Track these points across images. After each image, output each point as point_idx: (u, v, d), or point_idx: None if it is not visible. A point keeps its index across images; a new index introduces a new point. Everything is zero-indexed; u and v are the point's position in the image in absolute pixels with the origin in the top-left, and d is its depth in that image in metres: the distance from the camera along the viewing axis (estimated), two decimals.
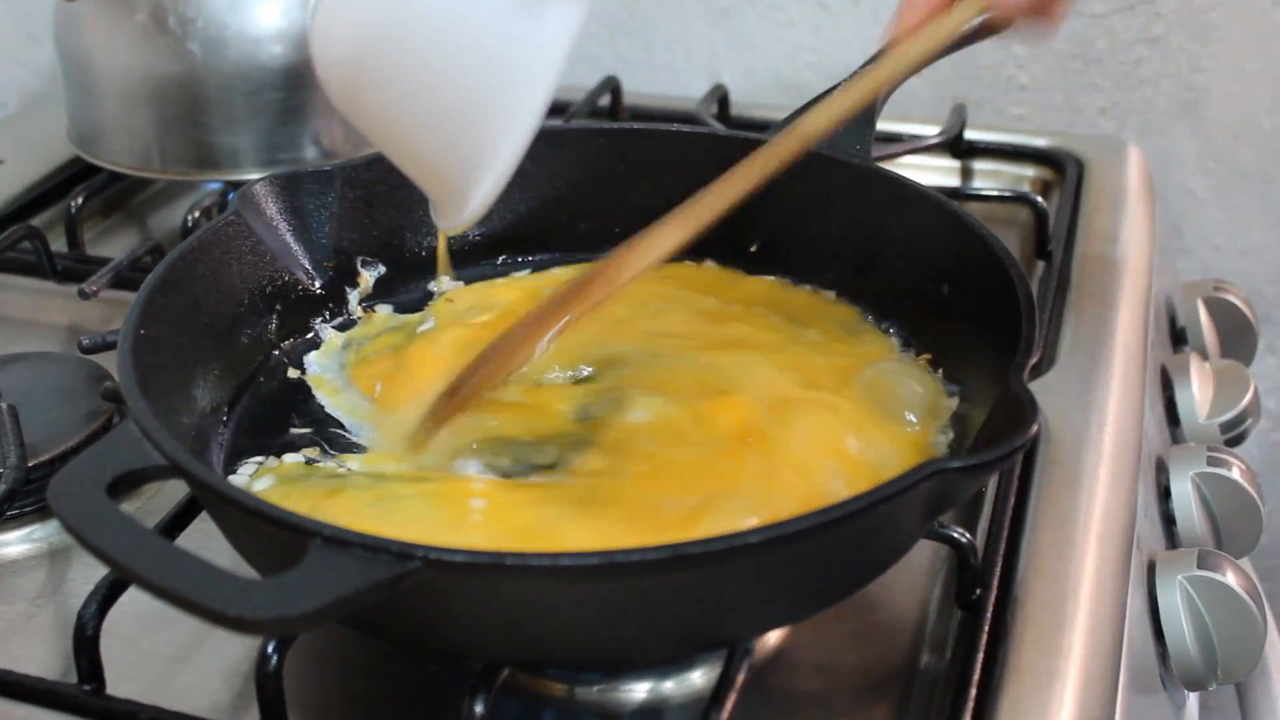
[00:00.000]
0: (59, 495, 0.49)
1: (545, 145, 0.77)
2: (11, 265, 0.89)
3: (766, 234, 0.75)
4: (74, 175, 0.97)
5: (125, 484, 0.51)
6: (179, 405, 0.63)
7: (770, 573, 0.46)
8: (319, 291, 0.73)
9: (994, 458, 0.46)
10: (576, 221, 0.79)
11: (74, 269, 0.87)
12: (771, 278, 0.75)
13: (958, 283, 0.65)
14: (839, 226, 0.73)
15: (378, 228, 0.76)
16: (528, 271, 0.78)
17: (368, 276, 0.75)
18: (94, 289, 0.79)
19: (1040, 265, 0.87)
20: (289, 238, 0.72)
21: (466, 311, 0.73)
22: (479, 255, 0.78)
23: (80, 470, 0.50)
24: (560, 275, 0.77)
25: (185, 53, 0.87)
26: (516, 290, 0.76)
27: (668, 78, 1.23)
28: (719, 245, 0.76)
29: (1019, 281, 0.59)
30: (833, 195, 0.73)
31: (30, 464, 0.67)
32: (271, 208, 0.72)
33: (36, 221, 0.93)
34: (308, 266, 0.73)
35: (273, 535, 0.48)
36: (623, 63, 1.23)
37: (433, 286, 0.76)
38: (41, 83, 1.26)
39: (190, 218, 0.87)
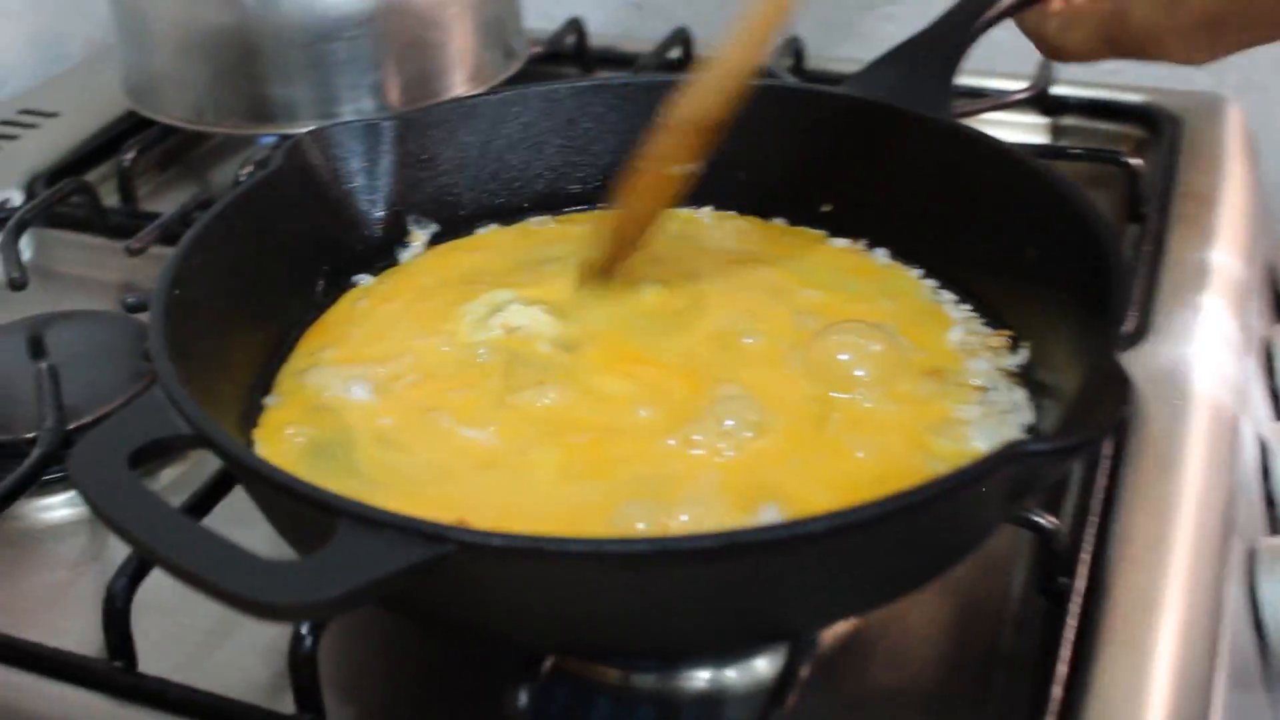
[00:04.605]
0: (79, 466, 0.46)
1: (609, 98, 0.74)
2: (63, 220, 0.86)
3: (839, 193, 0.71)
4: (130, 128, 0.94)
5: (150, 453, 0.48)
6: (219, 372, 0.60)
7: (834, 562, 0.42)
8: (368, 250, 0.70)
9: (1081, 441, 0.42)
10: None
11: (127, 224, 0.84)
12: (845, 241, 0.71)
13: (1043, 247, 0.60)
14: (916, 187, 0.68)
15: (431, 185, 0.72)
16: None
17: (419, 235, 0.72)
18: (139, 245, 0.76)
19: (1133, 229, 0.82)
20: (337, 194, 0.69)
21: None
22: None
23: (101, 440, 0.48)
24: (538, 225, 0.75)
25: (236, 3, 0.84)
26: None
27: None
28: (788, 203, 0.72)
29: (1109, 243, 0.54)
30: (909, 153, 0.68)
31: (71, 426, 0.65)
32: (320, 162, 0.68)
33: (92, 176, 0.90)
34: (357, 224, 0.70)
35: (301, 512, 0.45)
36: (696, 14, 1.19)
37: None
38: (104, 33, 1.24)
39: (242, 173, 0.84)
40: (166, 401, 0.49)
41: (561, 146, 0.75)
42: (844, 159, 0.70)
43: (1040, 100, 0.95)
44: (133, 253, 0.76)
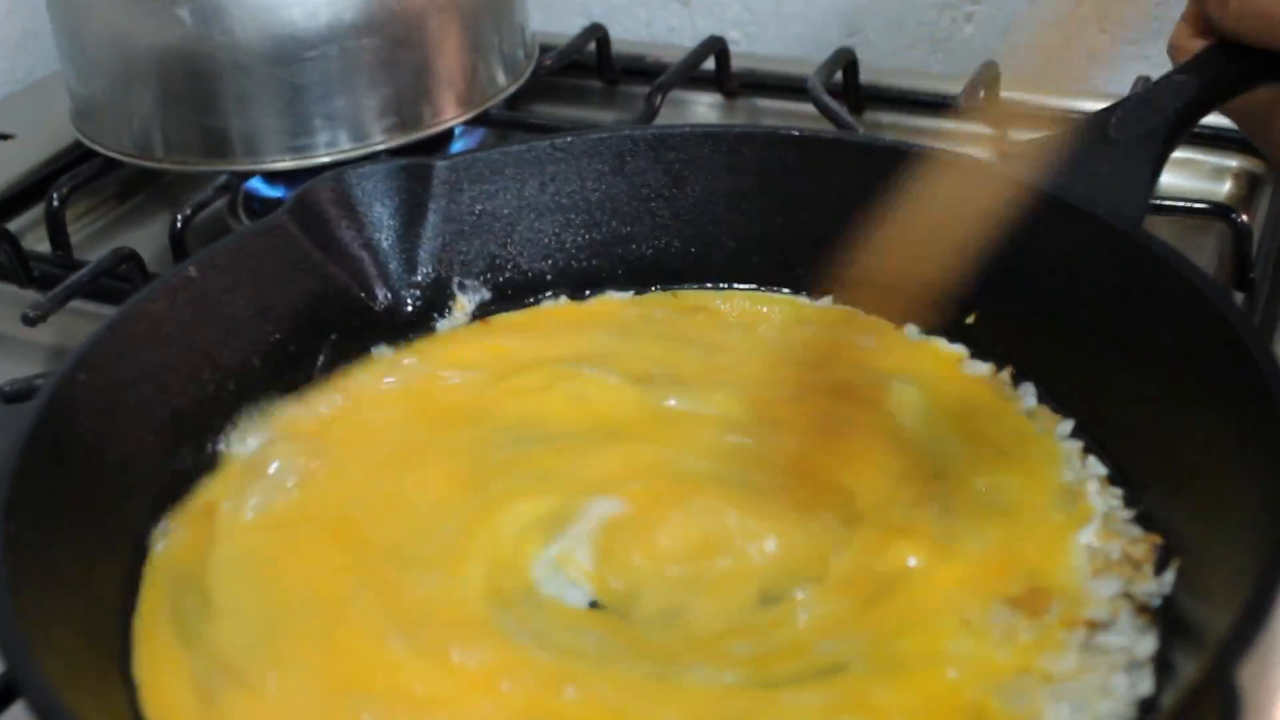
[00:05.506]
0: None
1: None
2: None
3: (988, 305, 0.56)
4: (78, 159, 0.83)
5: None
6: (146, 437, 0.52)
7: None
8: (396, 320, 0.60)
9: None
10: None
11: (54, 275, 0.73)
12: (986, 368, 0.56)
13: (1218, 431, 0.45)
14: (1088, 313, 0.52)
15: (490, 239, 0.62)
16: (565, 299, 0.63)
17: (465, 303, 0.61)
18: (36, 315, 0.64)
19: (1239, 299, 0.67)
20: (363, 250, 0.59)
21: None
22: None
23: None
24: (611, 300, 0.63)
25: (174, 18, 0.72)
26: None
27: (801, 30, 1.04)
28: (925, 308, 0.56)
29: None
30: (1083, 266, 0.53)
31: None
32: (336, 210, 0.59)
33: (32, 214, 0.80)
34: (388, 288, 0.60)
35: None
36: (749, 10, 1.05)
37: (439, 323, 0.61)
38: None
39: (180, 217, 0.73)
40: None
41: (657, 208, 0.63)
42: (1000, 261, 0.53)
43: None
44: (29, 322, 0.64)
